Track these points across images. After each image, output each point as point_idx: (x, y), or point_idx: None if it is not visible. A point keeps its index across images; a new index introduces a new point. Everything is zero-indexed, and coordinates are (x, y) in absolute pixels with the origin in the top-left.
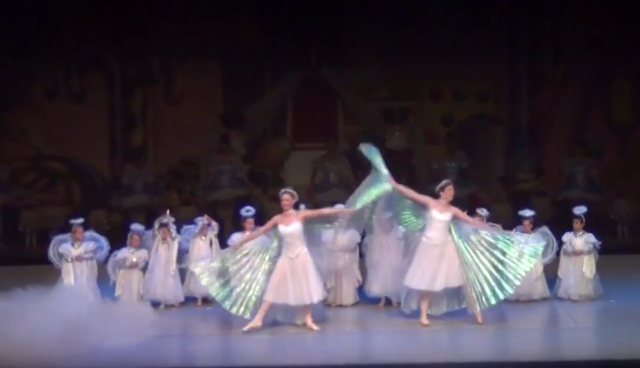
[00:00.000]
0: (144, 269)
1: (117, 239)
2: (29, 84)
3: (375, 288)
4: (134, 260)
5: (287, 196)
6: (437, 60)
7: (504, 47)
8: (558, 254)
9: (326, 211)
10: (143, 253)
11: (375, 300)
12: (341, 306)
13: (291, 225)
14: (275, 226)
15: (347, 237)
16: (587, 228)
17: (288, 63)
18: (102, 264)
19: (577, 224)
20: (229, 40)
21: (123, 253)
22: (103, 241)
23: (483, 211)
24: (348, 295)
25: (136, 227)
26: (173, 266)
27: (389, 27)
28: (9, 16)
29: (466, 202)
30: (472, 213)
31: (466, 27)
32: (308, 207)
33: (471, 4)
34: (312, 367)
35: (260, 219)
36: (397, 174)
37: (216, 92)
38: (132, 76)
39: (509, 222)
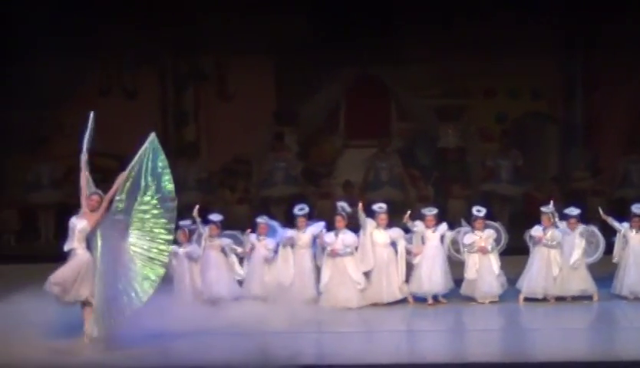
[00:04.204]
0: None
1: None
2: (82, 81)
3: (423, 286)
4: (180, 252)
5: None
6: (492, 58)
7: (559, 44)
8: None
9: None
10: (193, 247)
11: (422, 299)
12: (382, 304)
13: None
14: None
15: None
16: None
17: (342, 60)
18: None
19: (636, 222)
20: (283, 36)
21: (175, 248)
22: None
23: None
24: (390, 293)
25: (184, 223)
26: (228, 260)
27: (442, 25)
28: (61, 13)
29: (519, 201)
30: (527, 213)
31: (520, 24)
32: (356, 205)
33: (526, 1)
34: (358, 366)
35: (311, 218)
36: (450, 172)
37: (269, 89)
38: (184, 72)
39: (561, 221)
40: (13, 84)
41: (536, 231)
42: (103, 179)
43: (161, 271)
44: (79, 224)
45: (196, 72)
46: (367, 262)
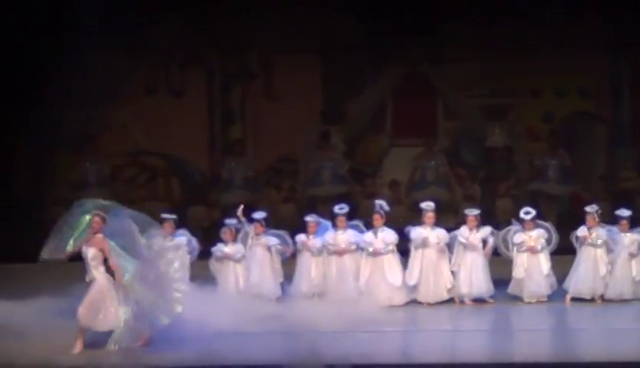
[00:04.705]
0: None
1: (217, 236)
2: (129, 80)
3: (461, 289)
4: (226, 250)
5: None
6: (538, 57)
7: (607, 43)
8: None
9: None
10: (237, 247)
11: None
12: (428, 304)
13: None
14: None
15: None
16: None
17: (389, 58)
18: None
19: None
20: (329, 34)
21: (218, 246)
22: (195, 243)
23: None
24: (437, 293)
25: (229, 222)
26: (273, 259)
27: (489, 23)
28: (109, 11)
29: (567, 201)
30: (575, 213)
31: (569, 22)
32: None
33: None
34: (403, 366)
35: (354, 217)
36: (497, 171)
37: (315, 87)
38: (231, 71)
39: (608, 221)
40: (61, 83)
41: (582, 231)
42: (151, 178)
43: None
44: (89, 252)
45: (242, 71)
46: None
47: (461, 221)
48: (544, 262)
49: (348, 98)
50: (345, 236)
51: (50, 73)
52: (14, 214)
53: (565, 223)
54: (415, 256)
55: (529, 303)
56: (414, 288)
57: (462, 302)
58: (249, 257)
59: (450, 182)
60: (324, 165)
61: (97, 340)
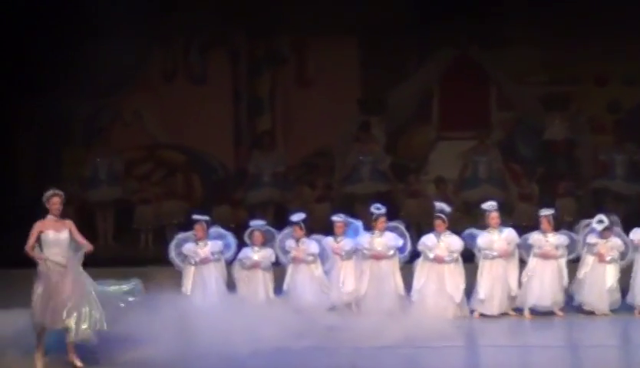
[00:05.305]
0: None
1: (243, 238)
2: (144, 64)
3: (528, 300)
4: (256, 258)
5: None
6: (604, 41)
7: None
8: None
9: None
10: (267, 252)
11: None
12: (492, 316)
13: None
14: None
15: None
16: None
17: (436, 42)
18: (229, 265)
19: None
20: (369, 14)
21: (245, 252)
22: (231, 238)
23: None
24: (501, 304)
25: (256, 223)
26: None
27: (549, 1)
28: None
29: (635, 200)
30: None
31: (638, 4)
32: (451, 205)
33: None
34: None
35: (392, 218)
36: (557, 168)
37: (353, 73)
38: (259, 54)
39: None
40: (68, 70)
41: (635, 233)
42: (169, 175)
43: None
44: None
45: (272, 54)
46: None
47: (514, 224)
48: (610, 275)
49: (390, 85)
50: (383, 239)
51: (56, 59)
52: (20, 214)
53: (632, 225)
54: (483, 265)
55: (594, 314)
56: (477, 300)
57: (519, 312)
58: (290, 267)
59: (505, 180)
60: (362, 160)
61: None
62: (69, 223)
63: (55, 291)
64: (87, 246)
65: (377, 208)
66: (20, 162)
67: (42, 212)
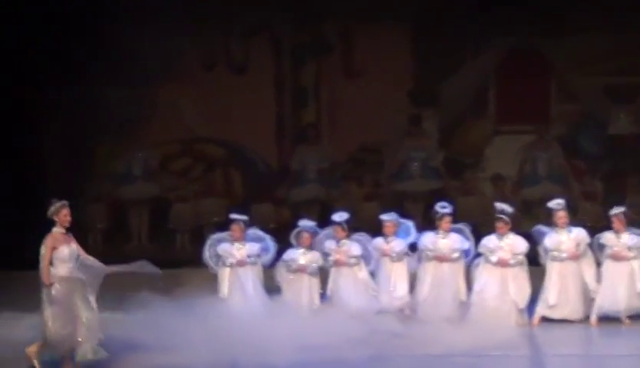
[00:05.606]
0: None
1: (286, 240)
2: (181, 53)
3: (603, 305)
4: (302, 262)
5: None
6: None
7: None
8: None
9: None
10: (314, 255)
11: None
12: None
13: None
14: None
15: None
16: None
17: (493, 29)
18: (268, 270)
19: None
20: (422, 0)
21: (291, 254)
22: (269, 241)
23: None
24: (576, 310)
25: (305, 223)
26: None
27: None
28: None
29: None
30: None
31: None
32: (513, 204)
33: None
34: None
35: (455, 218)
36: (624, 164)
37: (404, 63)
38: (303, 42)
39: None
40: (100, 58)
41: None
42: (208, 170)
43: None
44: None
45: (317, 43)
46: None
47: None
48: None
49: (444, 76)
50: (448, 240)
51: (87, 46)
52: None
53: None
54: (552, 268)
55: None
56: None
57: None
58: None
59: (567, 177)
60: (413, 156)
61: None
62: (71, 235)
63: (71, 312)
64: (103, 268)
65: (443, 207)
66: (47, 157)
67: (72, 211)
